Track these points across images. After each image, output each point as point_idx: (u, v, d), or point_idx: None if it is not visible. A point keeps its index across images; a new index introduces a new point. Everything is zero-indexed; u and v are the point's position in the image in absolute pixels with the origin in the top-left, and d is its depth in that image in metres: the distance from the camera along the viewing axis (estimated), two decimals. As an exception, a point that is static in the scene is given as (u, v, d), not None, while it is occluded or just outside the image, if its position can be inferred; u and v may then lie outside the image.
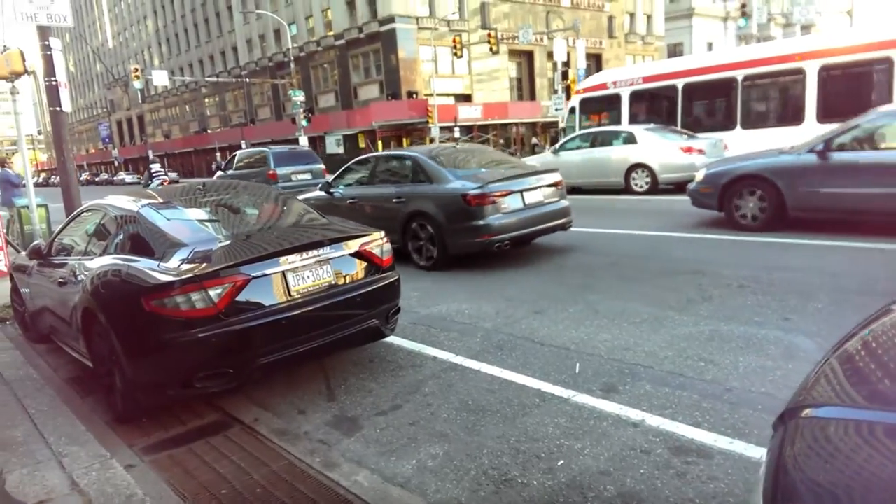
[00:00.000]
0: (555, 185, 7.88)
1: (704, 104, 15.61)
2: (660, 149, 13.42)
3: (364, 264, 4.29)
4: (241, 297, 3.64)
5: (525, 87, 51.63)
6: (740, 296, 5.49)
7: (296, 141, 40.39)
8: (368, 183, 8.67)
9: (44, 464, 3.23)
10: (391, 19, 43.06)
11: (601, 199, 13.73)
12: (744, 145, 12.78)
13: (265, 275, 3.74)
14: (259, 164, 18.14)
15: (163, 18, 71.51)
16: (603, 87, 17.75)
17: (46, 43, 8.70)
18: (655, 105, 16.61)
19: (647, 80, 16.68)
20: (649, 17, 60.82)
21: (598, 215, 10.88)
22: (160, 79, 43.21)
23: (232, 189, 5.28)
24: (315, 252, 3.98)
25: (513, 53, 48.70)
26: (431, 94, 40.39)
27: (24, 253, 6.61)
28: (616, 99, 17.26)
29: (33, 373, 4.74)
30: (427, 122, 40.59)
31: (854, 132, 7.51)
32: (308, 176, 17.63)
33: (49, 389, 4.34)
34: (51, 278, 4.93)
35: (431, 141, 41.21)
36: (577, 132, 15.54)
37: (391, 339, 4.90)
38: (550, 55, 50.61)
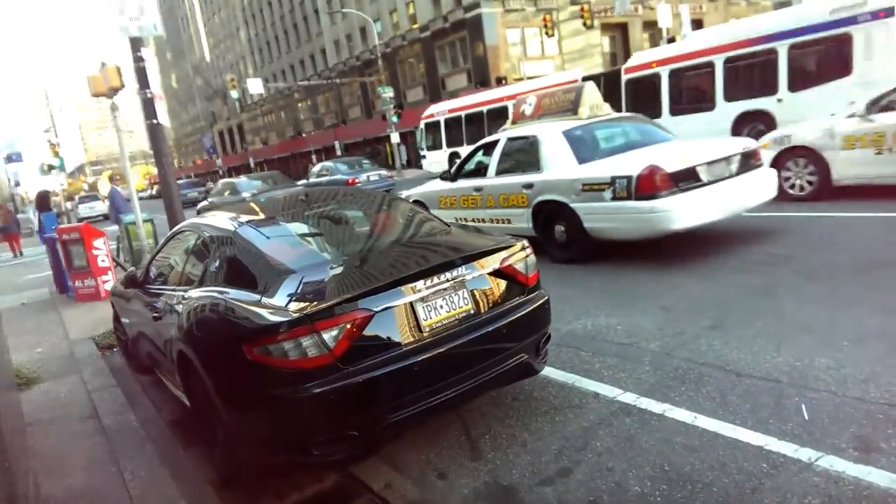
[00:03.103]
0: None
1: (474, 128, 22.80)
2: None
3: (507, 284, 3.38)
4: (361, 340, 2.84)
5: (620, 62, 48.96)
6: None
7: (388, 138, 40.33)
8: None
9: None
10: (476, 4, 41.97)
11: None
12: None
13: (389, 308, 2.92)
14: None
15: (254, 28, 73.93)
16: (432, 116, 26.08)
17: (139, 54, 8.41)
18: (456, 129, 24.33)
19: (451, 111, 25.03)
20: (752, -26, 56.20)
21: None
22: (255, 87, 44.42)
23: (339, 197, 4.52)
24: (448, 274, 3.12)
25: (605, 27, 46.28)
26: (521, 78, 38.95)
27: (117, 281, 6.25)
28: (439, 124, 25.36)
29: (133, 420, 4.20)
30: (518, 107, 39.22)
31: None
32: None
33: (149, 445, 3.76)
34: (146, 309, 4.39)
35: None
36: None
37: (536, 368, 3.98)
38: (646, 25, 47.83)
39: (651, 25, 46.96)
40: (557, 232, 7.05)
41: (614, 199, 6.16)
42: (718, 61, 13.65)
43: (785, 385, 3.40)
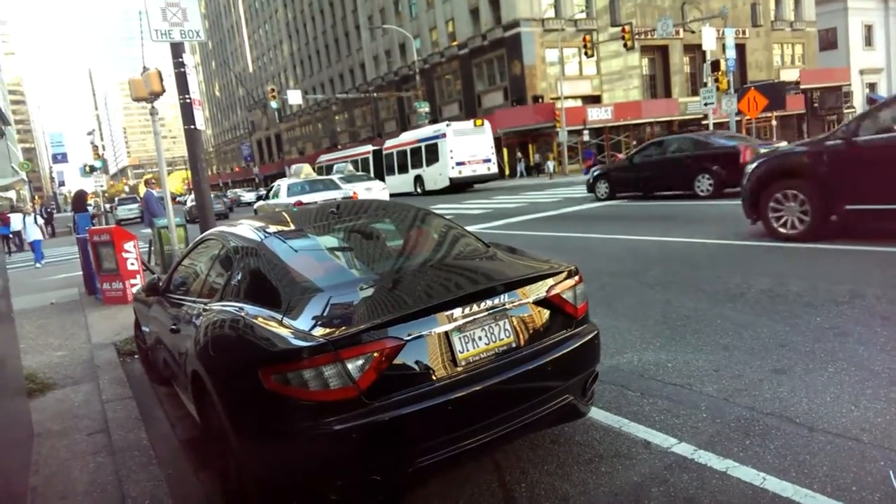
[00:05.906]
0: None
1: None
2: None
3: (553, 315, 3.05)
4: (390, 372, 2.53)
5: (659, 85, 48.52)
6: None
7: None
8: None
9: None
10: (516, 24, 41.95)
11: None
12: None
13: (422, 337, 2.62)
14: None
15: (297, 42, 75.22)
16: (321, 162, 40.25)
17: (180, 60, 8.33)
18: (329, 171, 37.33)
19: (332, 160, 40.68)
20: (797, 1, 55.23)
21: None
22: (295, 98, 45.00)
23: (373, 210, 4.25)
24: (489, 301, 2.80)
25: (645, 49, 45.85)
26: (558, 98, 38.69)
27: (140, 287, 6.06)
28: (332, 167, 36.71)
29: (144, 438, 3.95)
30: (554, 126, 39.02)
31: None
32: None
33: (155, 468, 3.49)
34: (165, 319, 4.17)
35: (559, 146, 39.56)
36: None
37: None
38: (687, 48, 47.24)
39: (691, 48, 46.44)
40: None
41: None
42: (408, 149, 33.37)
43: (866, 445, 2.97)
